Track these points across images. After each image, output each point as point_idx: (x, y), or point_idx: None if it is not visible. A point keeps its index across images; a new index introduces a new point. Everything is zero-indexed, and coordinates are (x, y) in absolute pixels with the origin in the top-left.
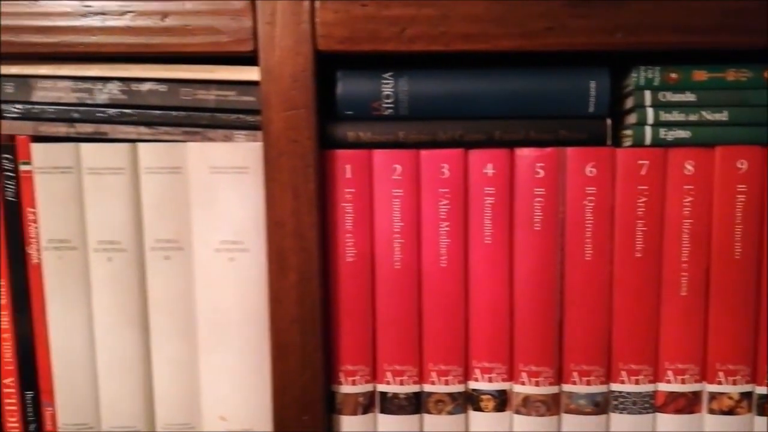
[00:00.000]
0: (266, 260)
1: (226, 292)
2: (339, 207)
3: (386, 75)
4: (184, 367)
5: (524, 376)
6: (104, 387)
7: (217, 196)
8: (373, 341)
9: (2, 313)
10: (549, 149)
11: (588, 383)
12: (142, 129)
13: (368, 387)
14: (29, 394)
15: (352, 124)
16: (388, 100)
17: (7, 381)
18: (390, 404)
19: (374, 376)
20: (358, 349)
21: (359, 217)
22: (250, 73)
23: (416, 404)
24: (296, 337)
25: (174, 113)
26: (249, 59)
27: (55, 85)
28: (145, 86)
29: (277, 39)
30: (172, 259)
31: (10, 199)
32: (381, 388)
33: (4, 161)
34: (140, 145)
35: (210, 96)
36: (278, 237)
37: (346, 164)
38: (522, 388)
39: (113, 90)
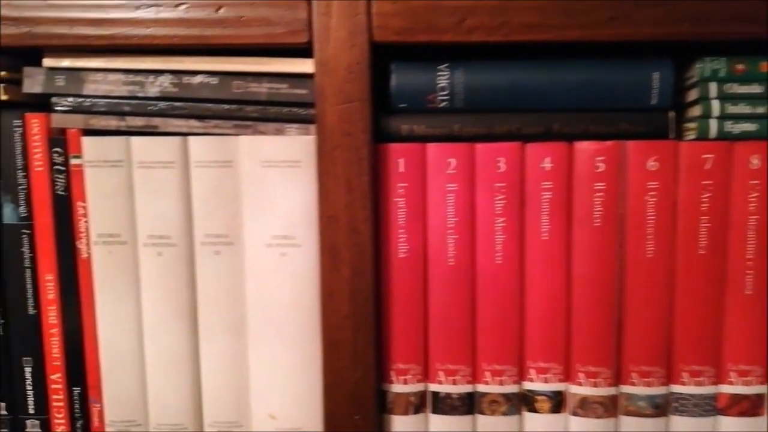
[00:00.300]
0: (318, 255)
1: (277, 288)
2: (391, 202)
3: (442, 67)
4: (234, 363)
5: (581, 376)
6: (152, 383)
7: (269, 191)
8: (425, 339)
9: (51, 307)
10: (609, 143)
11: (648, 384)
12: (193, 122)
13: (420, 386)
14: (76, 389)
15: (405, 117)
16: (444, 93)
17: (55, 377)
18: (442, 404)
19: (426, 376)
20: (410, 347)
21: (412, 212)
22: (304, 66)
23: (469, 405)
24: (348, 333)
25: (225, 106)
26: (301, 51)
27: (106, 78)
28: (197, 79)
29: (333, 30)
30: (222, 254)
31: (61, 193)
32: (433, 387)
33: (55, 155)
34: (191, 138)
35: (262, 89)
36: (331, 231)
37: (399, 158)
38: (579, 389)
39: (164, 83)
